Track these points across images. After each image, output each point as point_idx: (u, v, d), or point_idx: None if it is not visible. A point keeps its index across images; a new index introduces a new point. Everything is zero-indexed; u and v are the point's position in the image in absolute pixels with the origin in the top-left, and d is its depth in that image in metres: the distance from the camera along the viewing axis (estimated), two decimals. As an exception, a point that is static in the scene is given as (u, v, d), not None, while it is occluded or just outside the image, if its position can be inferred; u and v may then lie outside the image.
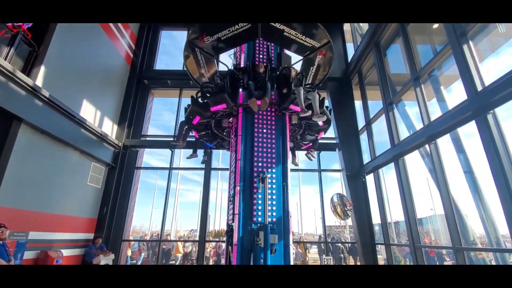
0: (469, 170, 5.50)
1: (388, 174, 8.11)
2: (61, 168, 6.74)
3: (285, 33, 4.84)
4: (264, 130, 4.90)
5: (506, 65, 4.26)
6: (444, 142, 5.82)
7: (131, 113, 9.57)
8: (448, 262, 10.50)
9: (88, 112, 7.65)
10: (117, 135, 9.09)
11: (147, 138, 10.04)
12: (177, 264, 10.95)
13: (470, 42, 4.84)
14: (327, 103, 5.02)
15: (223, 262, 9.64)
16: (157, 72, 10.49)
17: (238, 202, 4.34)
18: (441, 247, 10.83)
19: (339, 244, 10.49)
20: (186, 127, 5.62)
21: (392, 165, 7.23)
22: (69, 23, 6.82)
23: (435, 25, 6.18)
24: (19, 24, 6.41)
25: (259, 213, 4.37)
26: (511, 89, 3.86)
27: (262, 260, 3.94)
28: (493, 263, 5.23)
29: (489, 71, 4.61)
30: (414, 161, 6.91)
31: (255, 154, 4.67)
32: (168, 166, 9.54)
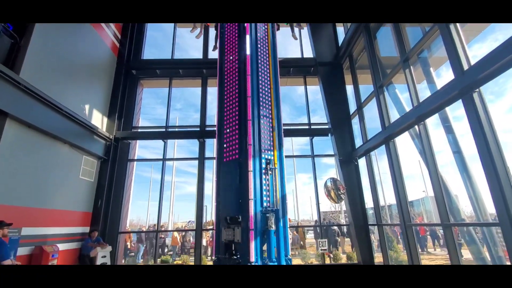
0: (458, 150, 5.59)
1: (381, 158, 8.24)
2: (52, 162, 6.65)
3: None
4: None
5: (492, 48, 4.27)
6: (434, 124, 5.91)
7: (121, 105, 9.40)
8: (441, 239, 10.86)
9: (76, 105, 7.48)
10: (107, 127, 8.96)
11: (139, 130, 9.94)
12: (174, 253, 11.12)
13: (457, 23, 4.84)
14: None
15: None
16: (145, 61, 10.27)
17: (253, 187, 4.91)
18: (430, 224, 11.20)
19: (334, 227, 10.72)
20: None
21: (384, 149, 7.32)
22: (67, 23, 6.67)
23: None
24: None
25: (267, 198, 5.04)
26: (495, 67, 3.90)
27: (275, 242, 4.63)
28: (480, 236, 5.43)
29: (476, 56, 4.63)
30: (405, 144, 7.01)
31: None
32: (161, 157, 9.51)
